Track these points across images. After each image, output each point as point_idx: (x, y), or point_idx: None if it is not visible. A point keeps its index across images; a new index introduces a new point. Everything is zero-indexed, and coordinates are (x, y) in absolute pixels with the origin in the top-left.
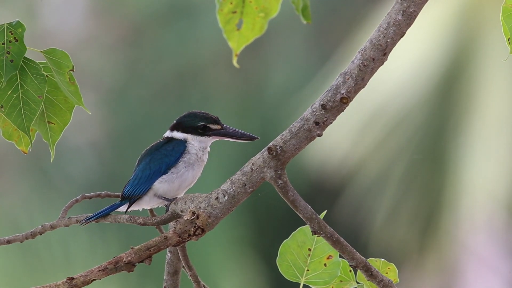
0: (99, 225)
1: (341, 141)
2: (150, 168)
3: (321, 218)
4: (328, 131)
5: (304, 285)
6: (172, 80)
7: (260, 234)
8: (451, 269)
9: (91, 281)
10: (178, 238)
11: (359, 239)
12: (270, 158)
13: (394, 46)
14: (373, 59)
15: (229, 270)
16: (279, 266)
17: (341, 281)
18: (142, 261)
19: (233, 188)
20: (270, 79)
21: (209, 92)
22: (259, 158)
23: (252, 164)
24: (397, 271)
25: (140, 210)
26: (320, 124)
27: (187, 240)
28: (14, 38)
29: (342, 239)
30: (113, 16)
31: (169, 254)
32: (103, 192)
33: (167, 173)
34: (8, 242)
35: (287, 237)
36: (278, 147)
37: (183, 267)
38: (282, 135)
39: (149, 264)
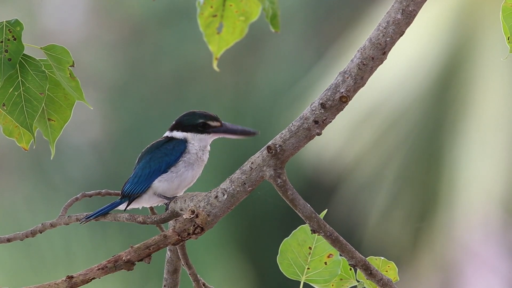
0: (100, 223)
1: (336, 139)
2: (150, 166)
3: (321, 217)
4: (324, 128)
5: (304, 283)
6: (172, 80)
7: (246, 232)
8: (446, 268)
9: (91, 279)
10: (177, 237)
11: (353, 237)
12: (270, 157)
13: (393, 45)
14: (373, 58)
15: (216, 268)
16: (280, 265)
17: (341, 279)
18: (141, 260)
19: (233, 186)
20: (270, 79)
21: (209, 92)
22: (258, 157)
23: (252, 163)
24: (397, 269)
25: (140, 208)
26: (320, 123)
27: (187, 239)
28: (13, 36)
29: (341, 238)
30: (113, 16)
31: (168, 253)
32: (103, 190)
33: (166, 172)
34: (9, 240)
35: (273, 236)
36: (277, 146)
37: (183, 265)
38: (282, 133)
39: (149, 263)
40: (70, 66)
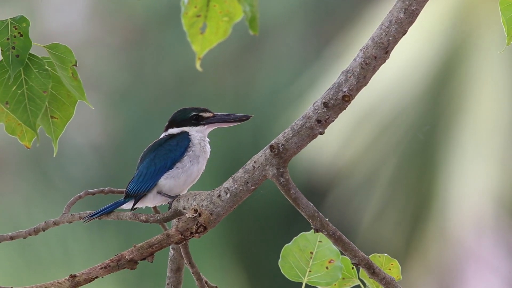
0: (98, 223)
1: (331, 142)
2: (155, 164)
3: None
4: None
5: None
6: (174, 82)
7: (246, 232)
8: (439, 270)
9: (94, 278)
10: (180, 236)
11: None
12: (272, 156)
13: (396, 44)
14: (375, 57)
15: (217, 267)
16: (281, 268)
17: (343, 278)
18: (144, 259)
19: (235, 186)
20: (270, 80)
21: (210, 94)
22: (261, 156)
23: (254, 162)
24: (400, 267)
25: (144, 207)
26: (322, 122)
27: (189, 238)
28: (19, 33)
29: (344, 237)
30: (115, 18)
31: (172, 251)
32: (106, 188)
33: (172, 168)
34: (12, 238)
35: (275, 236)
36: (280, 145)
37: (186, 264)
38: (284, 133)
39: (152, 262)
40: (73, 65)
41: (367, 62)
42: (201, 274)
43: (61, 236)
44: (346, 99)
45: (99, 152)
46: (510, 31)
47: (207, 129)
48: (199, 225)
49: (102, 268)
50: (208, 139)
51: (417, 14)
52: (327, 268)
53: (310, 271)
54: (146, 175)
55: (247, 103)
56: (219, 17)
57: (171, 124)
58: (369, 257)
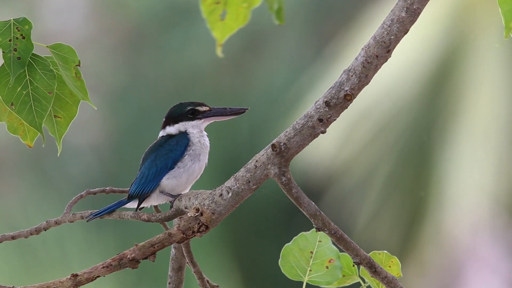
0: (96, 223)
1: (326, 143)
2: (156, 165)
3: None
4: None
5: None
6: (173, 82)
7: (246, 231)
8: (434, 270)
9: (95, 277)
10: (182, 235)
11: None
12: (274, 155)
13: (397, 43)
14: (377, 56)
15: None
16: (282, 267)
17: (344, 276)
18: (146, 258)
19: (237, 185)
20: (270, 80)
21: (210, 94)
22: (263, 155)
23: (256, 161)
24: (400, 264)
25: (148, 207)
26: (324, 121)
27: (191, 237)
28: (21, 35)
29: (346, 236)
30: (114, 18)
31: (173, 250)
32: (107, 188)
33: (173, 168)
34: (13, 237)
35: (275, 234)
36: (282, 144)
37: (187, 263)
38: (286, 131)
39: (153, 261)
40: (76, 65)
41: (369, 61)
42: (202, 273)
43: (59, 236)
44: (348, 98)
45: (98, 152)
46: (508, 24)
47: (204, 123)
48: (201, 224)
49: (104, 267)
50: (205, 133)
51: (419, 13)
52: (327, 267)
53: (310, 271)
54: (148, 176)
55: (247, 103)
56: (239, 3)
57: (168, 121)
58: (368, 255)
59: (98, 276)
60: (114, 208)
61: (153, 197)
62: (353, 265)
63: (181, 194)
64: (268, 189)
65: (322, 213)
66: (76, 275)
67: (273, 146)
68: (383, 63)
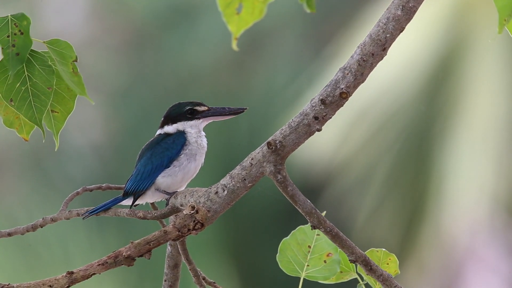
0: (98, 221)
1: (326, 141)
2: (152, 162)
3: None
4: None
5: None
6: (174, 82)
7: (243, 229)
8: (433, 269)
9: (91, 275)
10: (177, 233)
11: None
12: (270, 152)
13: (393, 41)
14: (373, 54)
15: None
16: (279, 262)
17: (341, 272)
18: (141, 255)
19: (233, 182)
20: (270, 81)
21: (210, 94)
22: (258, 152)
23: (252, 159)
24: (397, 262)
25: (143, 204)
26: (320, 119)
27: (187, 235)
28: (19, 31)
29: (341, 234)
30: (115, 18)
31: (169, 248)
32: (103, 185)
33: (169, 167)
34: (9, 234)
35: (272, 232)
36: (277, 141)
37: (183, 260)
38: (282, 129)
39: (149, 258)
40: (73, 61)
41: (365, 59)
42: (198, 270)
43: (61, 236)
44: (343, 96)
45: (99, 152)
46: (502, 19)
47: (203, 123)
48: (196, 222)
49: (99, 264)
50: (204, 133)
51: (415, 11)
52: (325, 262)
53: (308, 265)
54: (144, 173)
55: (247, 103)
56: None
57: (167, 120)
58: (366, 252)
59: (94, 274)
60: (109, 205)
61: (148, 194)
62: (351, 261)
63: (176, 191)
64: (269, 189)
65: (318, 211)
66: (72, 273)
67: (269, 144)
68: (379, 61)
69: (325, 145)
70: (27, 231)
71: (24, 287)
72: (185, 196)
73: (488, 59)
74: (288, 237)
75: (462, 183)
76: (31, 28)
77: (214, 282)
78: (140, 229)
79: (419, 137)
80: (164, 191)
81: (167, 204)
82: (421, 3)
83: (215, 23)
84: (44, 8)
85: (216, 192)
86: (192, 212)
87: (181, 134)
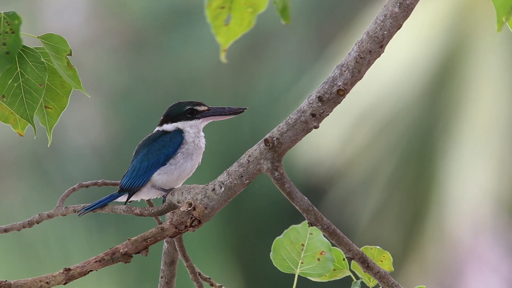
0: (97, 219)
1: (329, 142)
2: (148, 159)
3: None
4: (316, 130)
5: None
6: (174, 83)
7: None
8: (436, 269)
9: (88, 272)
10: (174, 229)
11: None
12: (267, 149)
13: (390, 39)
14: (370, 51)
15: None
16: (273, 260)
17: (334, 269)
18: (138, 252)
19: (230, 179)
20: (271, 81)
21: (211, 95)
22: (255, 149)
23: (249, 156)
24: (391, 259)
25: (139, 200)
26: (317, 116)
27: (184, 232)
28: (11, 29)
29: (338, 231)
30: (115, 20)
31: (166, 244)
32: (99, 181)
33: (165, 164)
34: (6, 230)
35: (270, 231)
36: (274, 138)
37: (180, 257)
38: (279, 126)
39: (146, 255)
40: (68, 54)
41: (362, 56)
42: (195, 267)
43: (60, 235)
44: (340, 93)
45: (99, 153)
46: (500, 18)
47: (202, 122)
48: (193, 218)
49: (96, 261)
50: (203, 133)
51: (412, 9)
52: (318, 259)
53: (302, 263)
54: (140, 170)
55: (248, 104)
56: (243, 9)
57: (166, 119)
58: (361, 249)
59: (91, 270)
60: (105, 201)
61: (143, 191)
62: (344, 259)
63: (173, 188)
64: (269, 188)
65: (315, 208)
66: (69, 269)
67: (266, 140)
68: (376, 58)
69: (328, 146)
70: (23, 227)
71: (21, 284)
72: (182, 193)
73: (490, 60)
74: (281, 236)
75: (465, 184)
76: (30, 29)
77: (209, 278)
78: (140, 229)
79: (422, 138)
80: (161, 188)
81: (164, 201)
82: (418, 1)
83: None
84: (45, 8)
85: (213, 189)
86: (189, 209)
87: (179, 133)
